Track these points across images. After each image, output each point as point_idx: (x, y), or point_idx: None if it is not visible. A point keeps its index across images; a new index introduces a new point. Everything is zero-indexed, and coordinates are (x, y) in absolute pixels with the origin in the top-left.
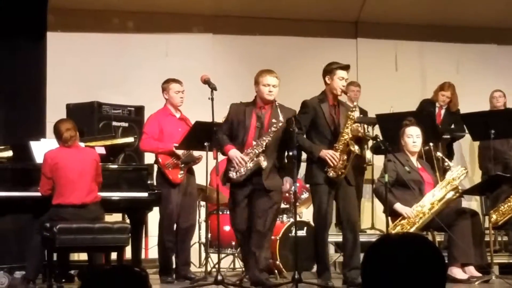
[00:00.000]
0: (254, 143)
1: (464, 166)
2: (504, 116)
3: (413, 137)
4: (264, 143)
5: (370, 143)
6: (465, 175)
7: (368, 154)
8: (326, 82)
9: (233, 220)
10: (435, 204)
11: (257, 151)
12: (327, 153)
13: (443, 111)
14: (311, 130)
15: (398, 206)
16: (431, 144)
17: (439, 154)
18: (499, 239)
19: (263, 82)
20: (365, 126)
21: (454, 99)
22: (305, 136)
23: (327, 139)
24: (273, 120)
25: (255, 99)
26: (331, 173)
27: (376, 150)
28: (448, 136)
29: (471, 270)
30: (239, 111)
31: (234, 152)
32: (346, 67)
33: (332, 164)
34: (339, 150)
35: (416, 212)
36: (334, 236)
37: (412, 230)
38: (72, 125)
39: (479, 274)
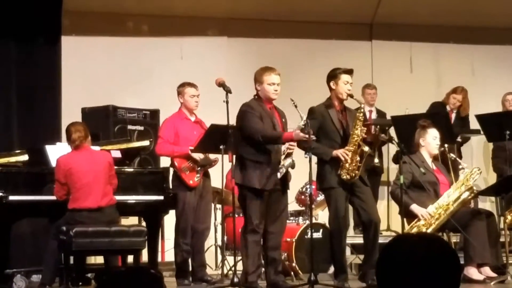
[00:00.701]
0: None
1: (477, 167)
2: None
3: (437, 139)
4: (288, 146)
5: (392, 150)
6: (479, 175)
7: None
8: (331, 88)
9: (253, 219)
10: (451, 205)
11: (284, 153)
12: (339, 151)
13: (453, 115)
14: (321, 136)
15: (414, 208)
16: (445, 145)
17: (452, 155)
18: None
19: (268, 81)
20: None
21: (465, 104)
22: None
23: (337, 144)
24: (283, 120)
25: (259, 98)
26: (345, 176)
27: (396, 160)
28: (460, 140)
29: (487, 271)
30: (260, 109)
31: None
32: (349, 71)
33: (345, 161)
34: (351, 152)
35: (432, 213)
36: (350, 238)
37: (428, 231)
38: (82, 127)
39: (494, 275)
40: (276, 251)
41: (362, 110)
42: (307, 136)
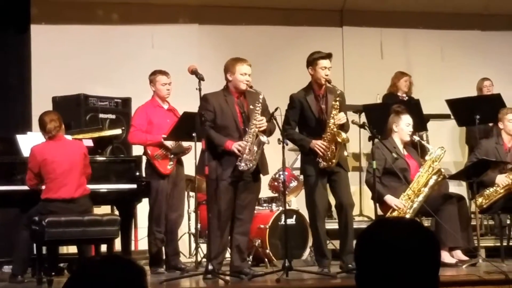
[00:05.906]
0: (247, 129)
1: (441, 146)
2: (488, 101)
3: (410, 126)
4: (255, 124)
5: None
6: (443, 154)
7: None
8: (310, 73)
9: (214, 207)
10: (422, 191)
11: (254, 133)
12: (315, 144)
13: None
14: (301, 123)
15: (388, 198)
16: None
17: (415, 137)
18: (485, 223)
19: (240, 71)
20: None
21: (411, 84)
22: (297, 130)
23: (316, 130)
24: (251, 107)
25: (228, 87)
26: (322, 164)
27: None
28: None
29: (459, 254)
30: (220, 101)
31: (234, 144)
32: (327, 56)
33: (322, 154)
34: (327, 140)
35: (405, 202)
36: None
37: None
38: (56, 117)
39: (466, 258)
40: (243, 237)
41: (338, 98)
42: (240, 149)
